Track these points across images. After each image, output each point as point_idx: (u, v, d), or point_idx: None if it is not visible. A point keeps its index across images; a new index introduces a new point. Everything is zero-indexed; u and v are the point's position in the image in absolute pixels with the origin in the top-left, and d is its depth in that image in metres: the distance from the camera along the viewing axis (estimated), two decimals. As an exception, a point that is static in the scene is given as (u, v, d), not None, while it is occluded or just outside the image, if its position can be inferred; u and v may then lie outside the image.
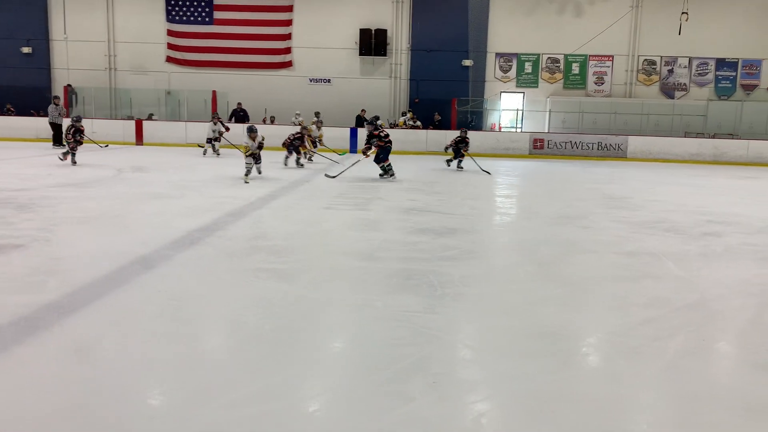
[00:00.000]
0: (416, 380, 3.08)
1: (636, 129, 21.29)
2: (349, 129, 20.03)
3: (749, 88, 22.17)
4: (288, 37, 22.66)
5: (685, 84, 22.39)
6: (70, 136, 13.01)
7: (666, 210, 9.15)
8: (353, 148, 19.43)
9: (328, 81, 22.72)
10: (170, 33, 23.02)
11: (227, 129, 16.56)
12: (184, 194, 9.44)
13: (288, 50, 22.75)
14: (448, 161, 15.50)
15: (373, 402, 2.88)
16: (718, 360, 3.63)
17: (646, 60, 22.43)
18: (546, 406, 2.86)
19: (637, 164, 18.46)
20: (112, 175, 11.66)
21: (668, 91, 22.48)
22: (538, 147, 19.95)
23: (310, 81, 22.78)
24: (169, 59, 23.12)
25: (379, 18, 22.32)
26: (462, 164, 15.16)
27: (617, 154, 19.80)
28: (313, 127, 16.33)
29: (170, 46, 23.08)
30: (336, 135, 19.26)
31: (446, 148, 15.26)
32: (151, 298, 4.32)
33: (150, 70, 23.13)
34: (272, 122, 21.24)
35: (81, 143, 13.19)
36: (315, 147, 15.81)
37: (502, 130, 22.33)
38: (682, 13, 19.80)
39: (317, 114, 20.32)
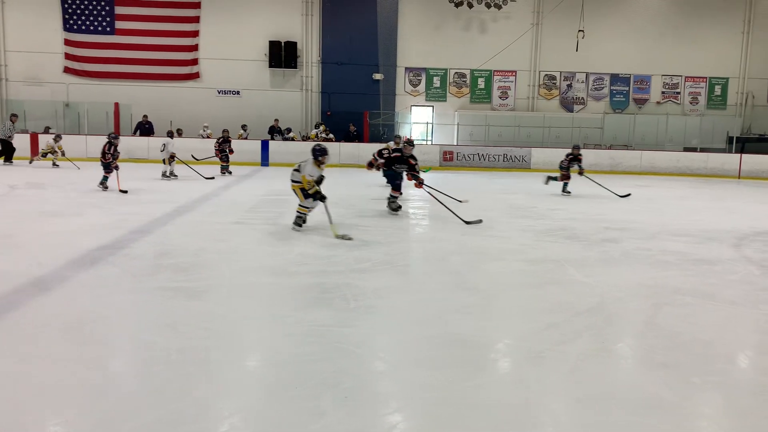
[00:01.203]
0: (328, 396, 3.06)
1: (538, 141, 22.22)
2: (260, 141, 19.76)
3: (641, 102, 23.66)
4: (195, 48, 22.13)
5: (583, 98, 23.61)
6: (110, 156, 11.35)
7: (567, 218, 9.58)
8: (264, 161, 19.18)
9: (238, 93, 22.35)
10: (68, 42, 21.91)
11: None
12: (83, 211, 8.97)
13: (195, 61, 22.21)
14: (551, 178, 13.38)
15: (285, 420, 2.83)
16: (617, 361, 3.82)
17: (546, 75, 23.49)
18: (458, 415, 2.92)
19: (540, 175, 19.22)
20: (4, 193, 10.93)
21: (567, 104, 23.63)
22: (448, 159, 20.43)
23: (219, 93, 22.32)
24: (68, 70, 22.00)
25: (289, 30, 22.22)
26: (569, 188, 13.15)
27: (522, 165, 20.58)
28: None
29: (68, 56, 21.96)
30: (246, 148, 18.97)
31: (561, 167, 13.21)
32: (49, 322, 4.07)
33: (46, 81, 21.92)
34: (179, 135, 20.63)
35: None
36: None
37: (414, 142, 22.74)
38: (579, 31, 20.92)
39: (244, 127, 20.21)
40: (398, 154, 9.66)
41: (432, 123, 23.14)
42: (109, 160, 11.37)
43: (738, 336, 4.28)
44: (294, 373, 3.33)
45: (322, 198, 7.46)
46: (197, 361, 3.47)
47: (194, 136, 19.83)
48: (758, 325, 4.56)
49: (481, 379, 3.36)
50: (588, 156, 20.57)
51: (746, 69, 23.56)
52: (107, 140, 11.49)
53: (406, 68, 22.95)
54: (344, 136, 21.12)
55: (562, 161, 13.23)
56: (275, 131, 20.99)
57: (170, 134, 15.28)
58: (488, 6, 21.14)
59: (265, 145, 19.58)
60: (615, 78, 23.57)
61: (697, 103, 23.68)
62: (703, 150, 21.54)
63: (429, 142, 22.60)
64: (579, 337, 4.08)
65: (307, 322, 4.19)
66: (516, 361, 3.76)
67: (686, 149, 21.94)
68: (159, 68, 22.12)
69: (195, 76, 22.31)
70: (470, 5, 21.01)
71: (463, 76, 23.20)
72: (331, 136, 20.79)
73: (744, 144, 21.87)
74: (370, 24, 22.29)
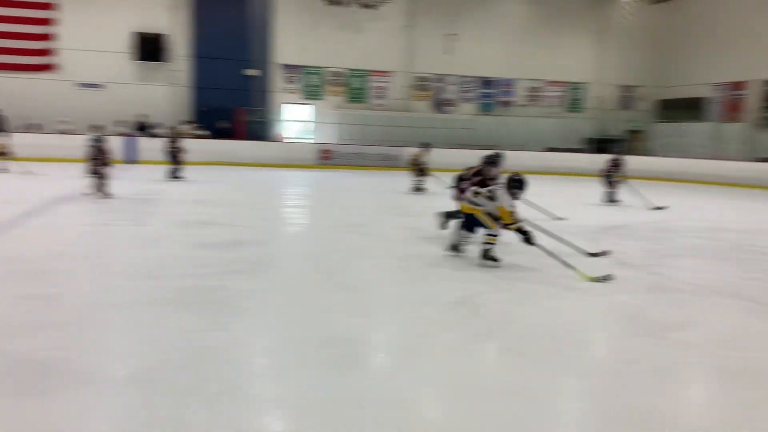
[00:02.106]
0: (195, 403, 2.95)
1: (413, 141, 22.75)
2: (125, 138, 18.68)
3: (507, 105, 24.99)
4: (49, 37, 20.52)
5: (453, 100, 24.53)
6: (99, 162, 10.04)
7: (440, 215, 9.90)
8: (131, 158, 18.16)
9: (101, 86, 21.01)
10: None
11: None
12: None
13: (50, 51, 20.60)
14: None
15: (149, 430, 2.70)
16: (485, 351, 4.00)
17: (420, 77, 24.16)
18: (333, 414, 2.92)
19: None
20: None
21: (441, 106, 24.45)
22: (326, 158, 20.44)
23: (80, 86, 20.87)
24: None
25: (156, 22, 21.19)
26: (618, 196, 12.21)
27: (397, 164, 21.02)
28: None
29: None
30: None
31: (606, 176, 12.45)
32: None
33: None
34: (37, 130, 19.06)
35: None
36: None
37: (290, 140, 22.51)
38: (450, 34, 21.69)
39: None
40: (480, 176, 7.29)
41: (310, 121, 23.06)
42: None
43: (593, 322, 4.63)
44: (160, 382, 3.18)
45: (532, 241, 6.00)
46: (52, 374, 3.22)
47: (52, 131, 18.41)
48: (604, 310, 4.95)
49: (354, 377, 3.39)
50: (461, 156, 21.48)
51: (598, 75, 25.51)
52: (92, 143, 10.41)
53: (283, 65, 22.67)
54: (214, 133, 20.44)
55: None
56: (142, 127, 19.96)
57: None
58: (362, 6, 21.37)
59: (131, 142, 18.56)
60: (483, 81, 24.66)
61: (556, 107, 25.33)
62: (562, 150, 23.08)
63: (307, 141, 22.49)
64: (449, 329, 4.24)
65: (174, 328, 4.02)
66: (389, 355, 3.83)
67: (548, 149, 23.39)
68: (8, 57, 20.29)
69: (51, 67, 20.70)
70: (343, 4, 21.11)
71: (341, 75, 23.29)
72: (202, 132, 20.09)
73: (599, 145, 23.70)
74: (243, 19, 21.77)
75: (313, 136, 22.95)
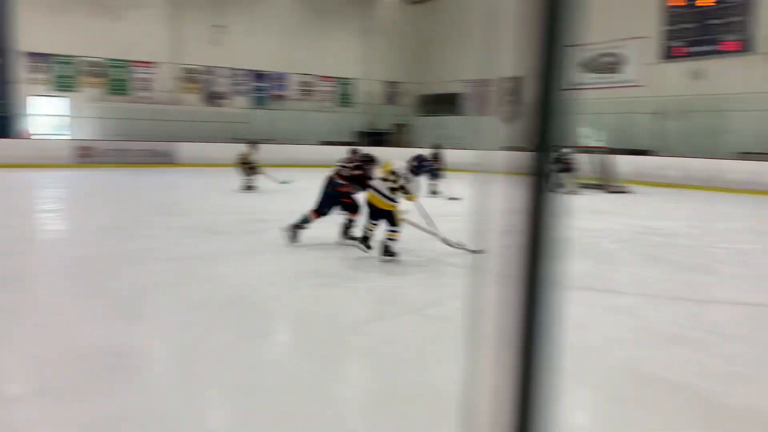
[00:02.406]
0: None
1: (186, 136, 21.83)
2: None
3: (280, 99, 25.11)
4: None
5: (227, 93, 23.99)
6: None
7: (215, 213, 9.65)
8: None
9: None
10: None
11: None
12: None
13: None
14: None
15: None
16: (269, 348, 3.99)
17: (189, 69, 23.20)
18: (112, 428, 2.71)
19: (190, 170, 18.97)
20: None
21: (212, 99, 23.75)
22: (85, 156, 18.68)
23: None
24: None
25: None
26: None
27: (168, 161, 19.99)
28: None
29: None
30: None
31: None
32: None
33: None
34: None
35: None
36: None
37: (40, 137, 20.14)
38: (218, 26, 21.12)
39: None
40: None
41: (64, 115, 20.89)
42: None
43: (355, 307, 4.86)
44: None
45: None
46: None
47: None
48: (373, 296, 5.25)
49: (127, 392, 3.16)
50: (235, 150, 21.09)
51: (367, 71, 26.78)
52: None
53: (28, 53, 20.18)
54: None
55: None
56: None
57: None
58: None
59: None
60: (256, 74, 24.46)
61: (329, 101, 26.08)
62: (337, 144, 23.77)
63: (61, 137, 20.34)
64: (221, 330, 4.16)
65: None
66: (160, 364, 3.65)
67: (322, 143, 23.97)
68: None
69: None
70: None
71: (99, 65, 21.43)
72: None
73: (370, 138, 24.90)
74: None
75: (68, 132, 20.85)
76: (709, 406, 3.13)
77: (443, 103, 25.98)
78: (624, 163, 16.94)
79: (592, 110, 19.88)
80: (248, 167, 12.91)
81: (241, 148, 13.27)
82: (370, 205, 6.41)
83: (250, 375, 3.43)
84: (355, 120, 26.11)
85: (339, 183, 7.18)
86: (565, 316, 4.35)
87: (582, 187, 14.30)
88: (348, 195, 7.14)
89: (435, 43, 27.09)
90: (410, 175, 6.39)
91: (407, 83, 27.77)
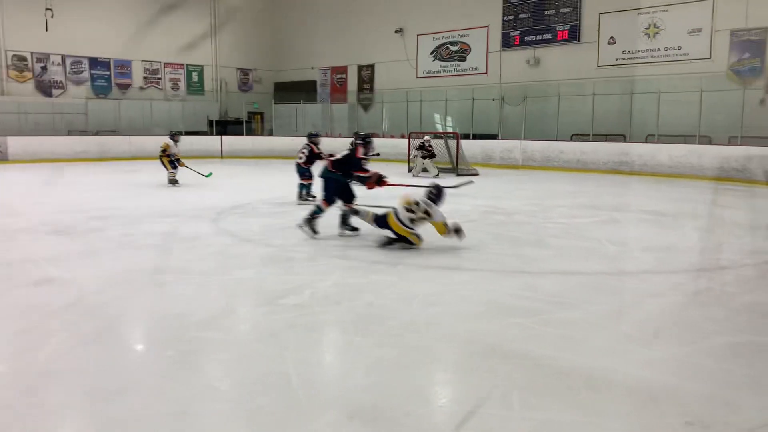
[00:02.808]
0: None
1: (15, 129, 19.90)
2: None
3: (124, 87, 23.58)
4: None
5: (61, 82, 22.13)
6: None
7: (51, 212, 8.91)
8: None
9: None
10: None
11: None
12: None
13: None
14: None
15: None
16: (95, 354, 3.73)
17: (16, 56, 21.13)
18: None
19: (21, 166, 17.35)
20: None
21: (45, 89, 21.81)
22: None
23: None
24: None
25: None
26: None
27: (-2, 156, 18.16)
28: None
29: None
30: None
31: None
32: None
33: None
34: None
35: None
36: None
37: None
38: (46, 9, 19.40)
39: None
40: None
41: None
42: None
43: (213, 303, 4.69)
44: None
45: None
46: None
47: None
48: (226, 289, 5.10)
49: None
50: (75, 144, 19.58)
51: (217, 58, 25.89)
52: None
53: None
54: None
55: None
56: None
57: None
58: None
59: None
60: (95, 62, 22.85)
61: (178, 89, 24.93)
62: (188, 133, 22.75)
63: None
64: (53, 336, 3.85)
65: None
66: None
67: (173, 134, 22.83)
68: None
69: None
70: None
71: None
72: None
73: (225, 127, 24.13)
74: None
75: None
76: (540, 368, 3.38)
77: (299, 91, 25.77)
78: (472, 147, 17.85)
79: (441, 97, 20.72)
80: (169, 160, 12.49)
81: (165, 140, 12.76)
82: (390, 228, 6.44)
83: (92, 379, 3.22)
84: (207, 108, 25.16)
85: (332, 171, 7.10)
86: (415, 294, 4.52)
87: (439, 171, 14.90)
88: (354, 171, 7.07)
89: (290, 30, 26.79)
90: (432, 204, 6.43)
91: (261, 70, 27.22)
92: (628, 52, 17.40)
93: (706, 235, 7.81)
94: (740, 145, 14.23)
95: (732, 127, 14.65)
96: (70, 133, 20.88)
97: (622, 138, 16.69)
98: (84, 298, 4.69)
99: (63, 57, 22.08)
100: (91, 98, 22.49)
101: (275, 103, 25.68)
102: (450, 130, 19.97)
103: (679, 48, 16.44)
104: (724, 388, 3.17)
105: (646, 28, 16.95)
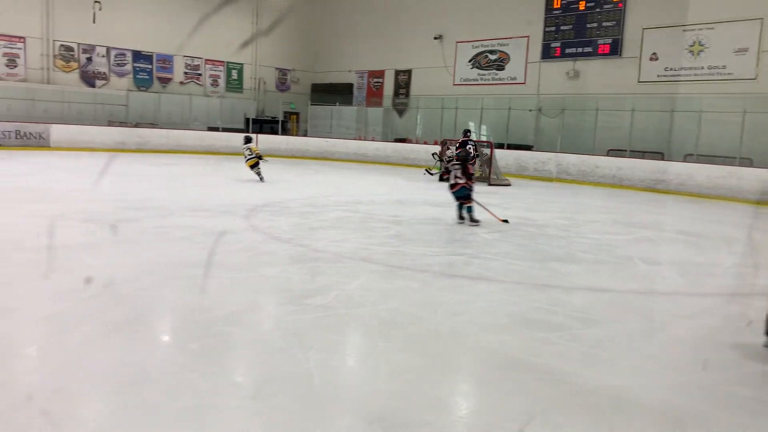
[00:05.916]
0: None
1: (58, 117, 20.40)
2: None
3: (165, 81, 23.96)
4: None
5: (105, 73, 22.58)
6: None
7: (86, 200, 9.09)
8: None
9: None
10: None
11: None
12: None
13: None
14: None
15: None
16: (135, 341, 3.79)
17: (63, 46, 21.64)
18: None
19: (63, 153, 17.77)
20: None
21: (89, 79, 22.28)
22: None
23: None
24: None
25: None
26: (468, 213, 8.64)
27: (39, 143, 18.61)
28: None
29: None
30: None
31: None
32: None
33: None
34: None
35: None
36: None
37: None
38: (95, 2, 19.84)
39: None
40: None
41: None
42: None
43: (239, 299, 4.74)
44: None
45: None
46: None
47: None
48: (252, 286, 5.14)
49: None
50: (115, 134, 19.97)
51: (257, 57, 26.17)
52: None
53: None
54: None
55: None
56: None
57: None
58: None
59: None
60: (137, 55, 23.26)
61: (217, 86, 25.25)
62: (225, 130, 23.07)
63: None
64: (82, 324, 3.92)
65: None
66: (24, 358, 3.39)
67: (210, 128, 23.17)
68: None
69: None
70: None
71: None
72: None
73: (261, 125, 24.37)
74: None
75: None
76: (564, 385, 3.33)
77: (336, 93, 25.89)
78: (506, 157, 17.71)
79: (477, 105, 20.62)
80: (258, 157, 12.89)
81: (251, 145, 13.09)
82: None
83: (135, 369, 3.26)
84: (245, 106, 25.45)
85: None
86: (440, 303, 4.48)
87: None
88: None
89: (329, 32, 26.96)
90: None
91: (299, 71, 27.44)
92: (671, 68, 17.08)
93: (742, 259, 7.61)
94: (783, 168, 13.86)
95: (775, 150, 14.29)
96: (110, 123, 21.32)
97: (660, 156, 16.38)
98: (114, 287, 4.77)
99: (108, 49, 22.53)
100: (132, 90, 22.92)
101: (311, 104, 25.86)
102: (484, 138, 19.85)
103: (724, 67, 16.07)
104: (759, 419, 3.07)
105: (691, 46, 16.63)
